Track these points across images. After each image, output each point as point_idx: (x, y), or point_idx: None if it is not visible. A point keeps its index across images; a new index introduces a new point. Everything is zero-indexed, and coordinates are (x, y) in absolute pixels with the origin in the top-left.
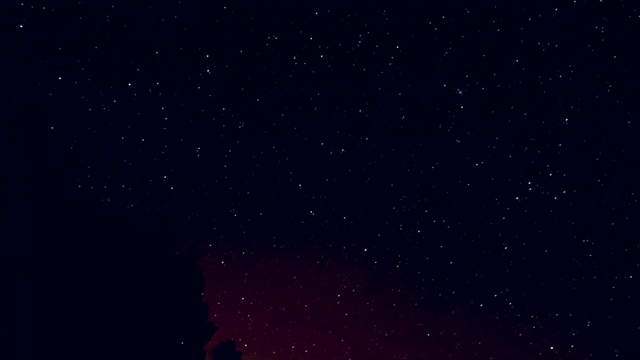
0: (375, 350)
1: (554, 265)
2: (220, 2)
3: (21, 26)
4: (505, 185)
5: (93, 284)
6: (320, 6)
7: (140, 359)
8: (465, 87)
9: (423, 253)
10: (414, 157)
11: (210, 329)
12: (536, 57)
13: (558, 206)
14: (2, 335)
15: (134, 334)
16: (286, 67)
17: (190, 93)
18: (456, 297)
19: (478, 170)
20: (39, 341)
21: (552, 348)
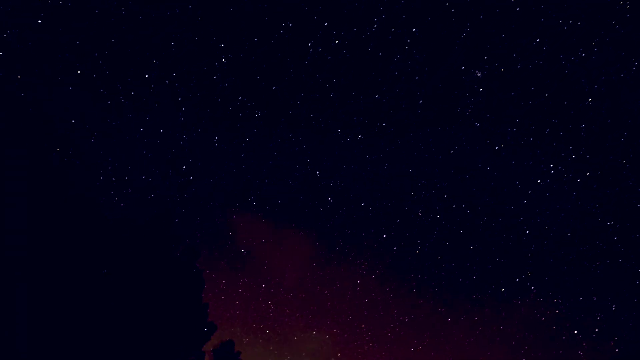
0: (396, 335)
1: (577, 248)
2: None
3: (39, 21)
4: (527, 168)
5: (93, 284)
6: None
7: (141, 359)
8: (484, 69)
9: (443, 238)
10: (432, 142)
11: (211, 328)
12: (557, 36)
13: (581, 188)
14: (2, 334)
15: (135, 334)
16: (301, 54)
17: (207, 83)
18: (477, 282)
19: (498, 154)
20: (39, 341)
21: (575, 332)
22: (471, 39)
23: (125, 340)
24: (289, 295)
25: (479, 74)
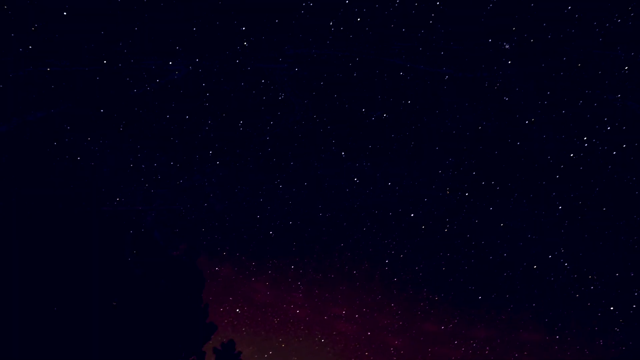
0: (426, 314)
1: (613, 223)
2: None
3: (66, 7)
4: (559, 142)
5: (93, 283)
6: None
7: (141, 358)
8: (513, 40)
9: (472, 216)
10: (459, 118)
11: (211, 328)
12: (591, 1)
13: (618, 161)
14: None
15: (135, 334)
16: (323, 32)
17: (230, 67)
18: (508, 260)
19: (528, 127)
20: (39, 340)
21: (612, 308)
22: (498, 9)
23: (126, 340)
24: (317, 276)
25: (507, 46)
